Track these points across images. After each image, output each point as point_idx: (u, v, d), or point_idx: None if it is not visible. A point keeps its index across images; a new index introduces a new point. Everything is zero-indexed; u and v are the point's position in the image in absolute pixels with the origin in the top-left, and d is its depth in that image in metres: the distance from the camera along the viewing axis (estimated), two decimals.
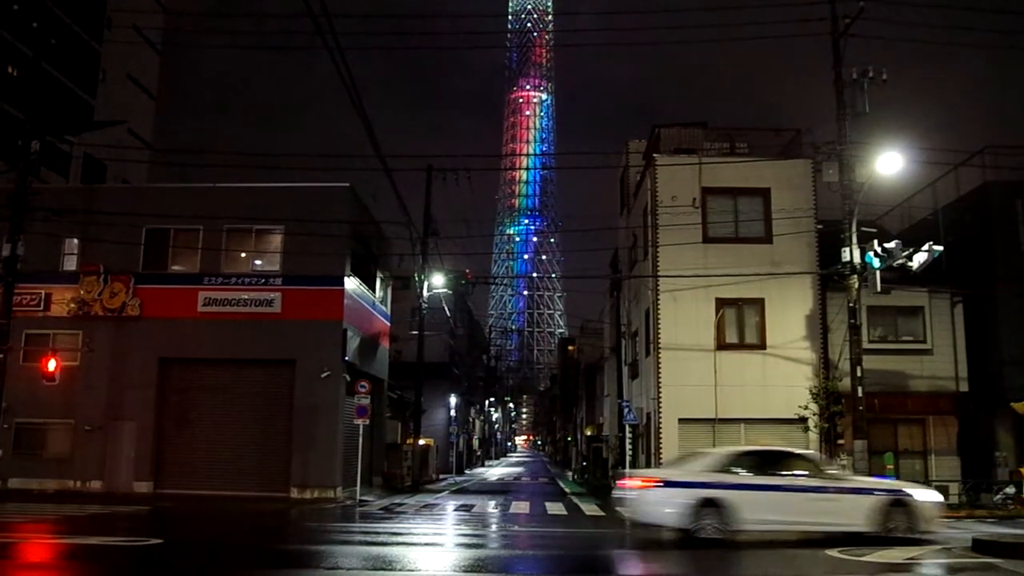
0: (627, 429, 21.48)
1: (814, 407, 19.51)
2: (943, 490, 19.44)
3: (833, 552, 10.60)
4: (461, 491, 28.16)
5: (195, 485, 21.44)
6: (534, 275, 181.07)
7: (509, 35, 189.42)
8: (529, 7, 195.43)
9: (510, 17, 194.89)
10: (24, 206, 18.63)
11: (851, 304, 18.44)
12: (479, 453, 68.32)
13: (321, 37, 11.10)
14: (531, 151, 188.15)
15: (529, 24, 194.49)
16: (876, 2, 18.95)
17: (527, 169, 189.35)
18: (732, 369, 20.18)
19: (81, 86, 39.01)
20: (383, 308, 28.90)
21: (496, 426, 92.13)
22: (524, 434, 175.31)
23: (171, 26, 50.30)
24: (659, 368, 20.37)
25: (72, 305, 22.44)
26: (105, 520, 14.74)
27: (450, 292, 33.78)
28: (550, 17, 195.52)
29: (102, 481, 21.73)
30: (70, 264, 23.02)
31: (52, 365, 20.14)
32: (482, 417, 72.31)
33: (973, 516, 17.13)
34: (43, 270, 21.99)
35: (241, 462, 21.92)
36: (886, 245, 17.82)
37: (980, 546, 10.44)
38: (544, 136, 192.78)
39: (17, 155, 18.70)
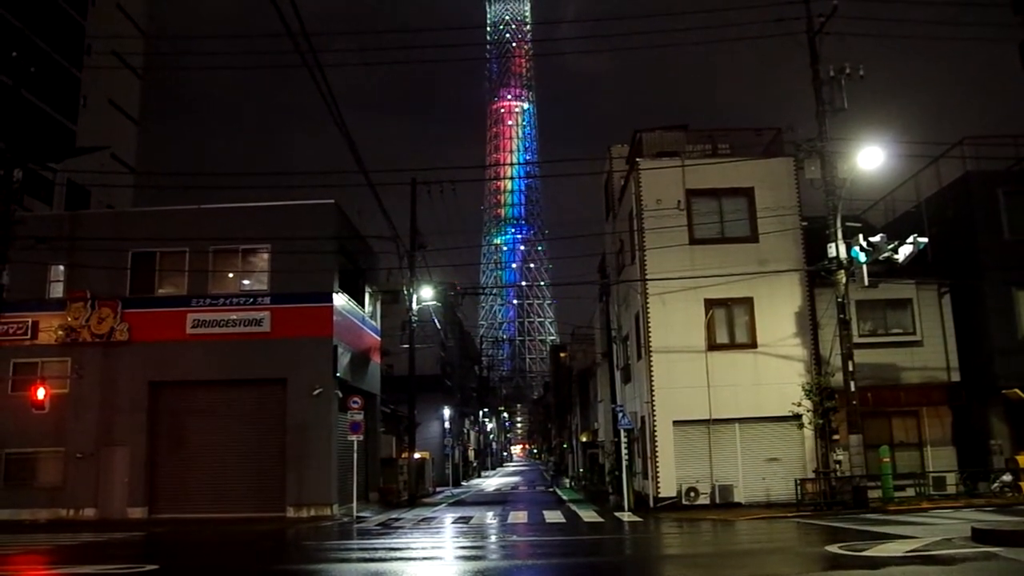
0: (622, 434, 21.43)
1: (808, 404, 19.56)
2: (940, 481, 19.58)
3: (833, 548, 10.60)
4: (458, 503, 28.03)
5: (190, 509, 21.23)
6: (523, 284, 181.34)
7: (489, 46, 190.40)
8: (507, 18, 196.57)
9: (488, 28, 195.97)
10: (8, 235, 18.49)
11: (839, 299, 18.55)
12: (475, 464, 68.06)
13: (300, 55, 11.09)
14: (515, 160, 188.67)
15: (508, 35, 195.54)
16: (851, 1, 19.21)
17: (511, 179, 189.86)
18: (724, 369, 20.21)
19: (62, 113, 38.81)
20: (373, 323, 28.81)
21: (491, 436, 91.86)
22: (520, 443, 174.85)
23: (151, 49, 50.16)
24: (651, 371, 20.38)
25: (60, 332, 22.23)
26: (99, 548, 14.55)
27: (439, 304, 33.69)
28: (528, 27, 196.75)
29: (95, 508, 21.47)
30: (56, 291, 22.83)
31: (41, 393, 19.97)
32: (477, 428, 72.09)
33: (971, 505, 17.16)
34: (29, 298, 21.85)
35: (235, 483, 21.73)
36: (871, 239, 17.98)
37: (980, 535, 10.44)
38: (527, 145, 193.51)
39: None
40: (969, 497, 18.63)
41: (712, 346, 20.41)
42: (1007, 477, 19.01)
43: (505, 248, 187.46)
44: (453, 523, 18.60)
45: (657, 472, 19.86)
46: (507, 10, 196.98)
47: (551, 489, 39.95)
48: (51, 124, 37.62)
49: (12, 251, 18.70)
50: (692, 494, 19.53)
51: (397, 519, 20.52)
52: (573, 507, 23.73)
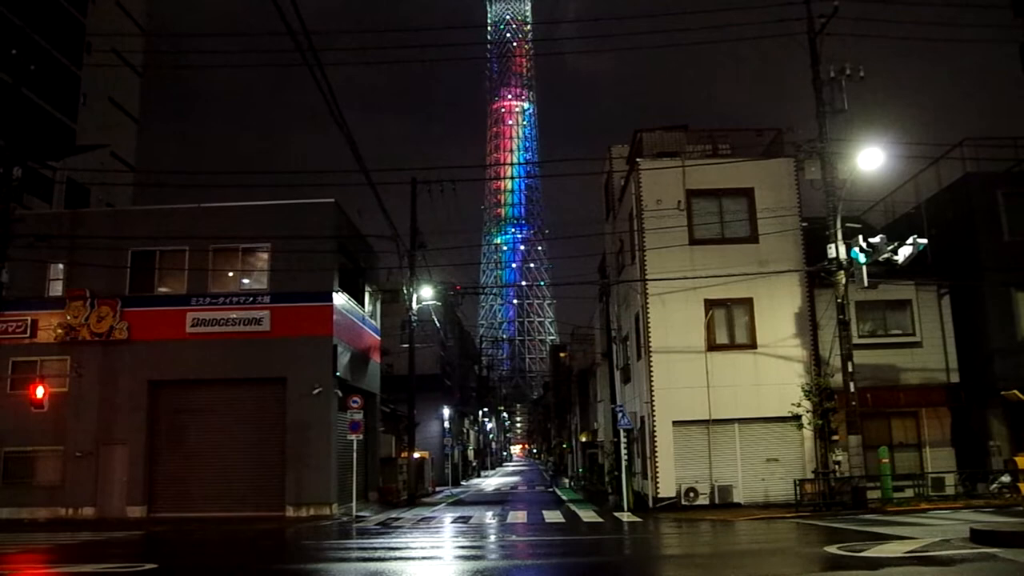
0: (622, 434, 21.43)
1: (807, 404, 19.57)
2: (939, 482, 19.57)
3: (832, 548, 10.60)
4: (458, 503, 28.03)
5: (189, 508, 21.23)
6: (523, 283, 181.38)
7: (489, 46, 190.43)
8: (508, 18, 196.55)
9: (489, 28, 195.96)
10: (7, 233, 18.48)
11: (839, 300, 18.56)
12: (475, 464, 68.06)
13: (301, 53, 11.08)
14: (515, 160, 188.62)
15: (508, 34, 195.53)
16: (852, 1, 19.21)
17: (512, 178, 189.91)
18: (724, 369, 20.21)
19: (62, 111, 38.78)
20: (372, 322, 28.81)
21: (491, 436, 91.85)
22: (519, 443, 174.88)
23: (152, 47, 50.18)
24: (651, 371, 20.38)
25: (59, 331, 22.23)
26: (98, 547, 14.55)
27: (439, 304, 33.69)
28: (528, 27, 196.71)
29: (94, 507, 21.48)
30: (56, 289, 22.83)
31: (40, 392, 19.96)
32: (476, 428, 72.07)
33: (970, 506, 17.18)
34: (28, 297, 21.83)
35: (235, 482, 21.74)
36: (871, 240, 17.98)
37: (979, 536, 10.43)
38: (527, 145, 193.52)
39: None
40: (968, 498, 18.64)
41: (712, 346, 20.41)
42: (1006, 478, 18.98)
43: (505, 248, 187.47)
44: (452, 523, 18.60)
45: (656, 472, 19.86)
46: (508, 9, 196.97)
47: (550, 489, 39.95)
48: (51, 122, 37.58)
49: (12, 249, 18.70)
50: (691, 494, 19.54)
51: (396, 519, 20.52)
52: (572, 507, 23.73)
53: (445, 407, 48.16)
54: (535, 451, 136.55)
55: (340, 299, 23.44)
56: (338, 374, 22.67)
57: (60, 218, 24.84)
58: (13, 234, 18.68)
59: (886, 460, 18.98)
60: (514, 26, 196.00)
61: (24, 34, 35.08)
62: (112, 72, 41.14)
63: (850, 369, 18.29)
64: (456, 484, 44.30)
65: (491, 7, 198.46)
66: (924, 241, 17.84)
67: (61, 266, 22.80)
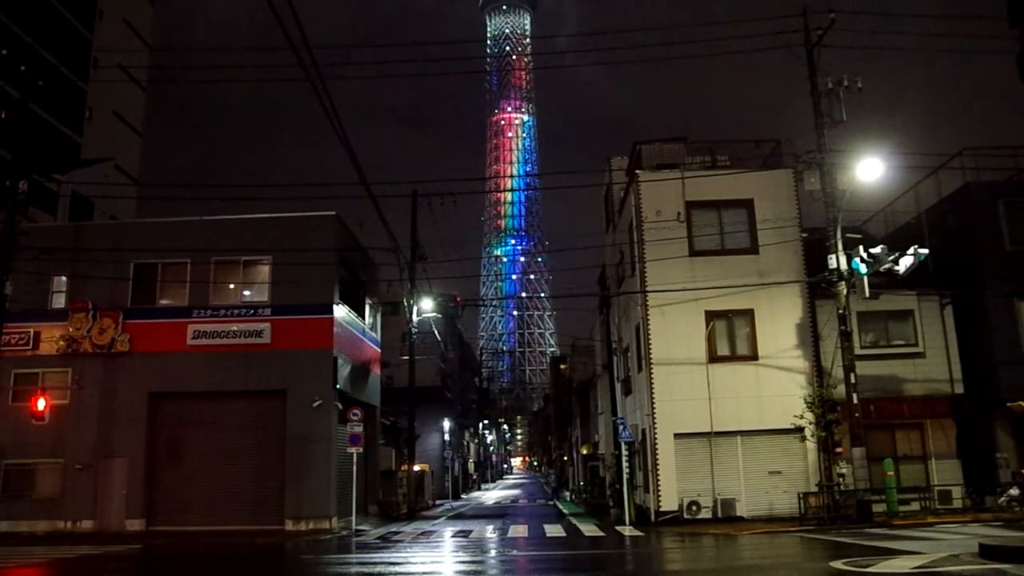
0: (623, 447, 21.31)
1: (810, 416, 19.44)
2: (946, 494, 19.41)
3: (838, 564, 10.49)
4: (458, 516, 27.86)
5: (188, 521, 21.10)
6: (523, 295, 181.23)
7: (489, 59, 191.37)
8: (507, 31, 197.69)
9: (489, 42, 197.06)
10: (12, 246, 18.49)
11: (840, 311, 18.50)
12: (475, 477, 67.74)
13: (303, 67, 11.10)
14: (515, 172, 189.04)
15: (508, 48, 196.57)
16: (848, 14, 19.30)
17: (512, 191, 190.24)
18: (725, 381, 20.13)
19: (68, 125, 39.07)
20: (373, 334, 28.77)
21: (491, 448, 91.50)
22: (520, 455, 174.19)
23: (157, 63, 50.55)
24: (652, 383, 20.31)
25: (61, 343, 22.22)
26: (97, 561, 14.45)
27: (439, 316, 33.65)
28: (528, 40, 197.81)
29: (93, 520, 21.35)
30: (59, 302, 22.83)
31: (41, 404, 19.88)
32: (476, 440, 71.81)
33: (978, 520, 16.99)
34: (32, 309, 21.79)
35: (234, 496, 21.60)
36: (872, 250, 17.94)
37: (988, 552, 10.23)
38: (527, 157, 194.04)
39: (4, 195, 18.63)
40: (975, 511, 18.45)
41: (713, 358, 20.34)
42: (1014, 491, 18.82)
43: (505, 259, 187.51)
44: (453, 537, 18.47)
45: (658, 485, 19.74)
46: (507, 23, 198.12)
47: (551, 502, 39.73)
48: (57, 136, 37.85)
49: (16, 262, 18.69)
50: (694, 508, 19.40)
51: (396, 532, 20.39)
52: (574, 521, 23.58)
53: (445, 419, 48.00)
54: (536, 464, 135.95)
55: (341, 311, 23.41)
56: (338, 387, 22.60)
57: (64, 231, 24.87)
58: (18, 246, 18.67)
59: (891, 472, 18.84)
60: (513, 40, 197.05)
61: (33, 51, 35.37)
62: (117, 87, 41.42)
63: (853, 380, 18.20)
64: (456, 497, 44.07)
65: (491, 21, 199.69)
66: (925, 251, 17.78)
67: (64, 278, 22.83)
